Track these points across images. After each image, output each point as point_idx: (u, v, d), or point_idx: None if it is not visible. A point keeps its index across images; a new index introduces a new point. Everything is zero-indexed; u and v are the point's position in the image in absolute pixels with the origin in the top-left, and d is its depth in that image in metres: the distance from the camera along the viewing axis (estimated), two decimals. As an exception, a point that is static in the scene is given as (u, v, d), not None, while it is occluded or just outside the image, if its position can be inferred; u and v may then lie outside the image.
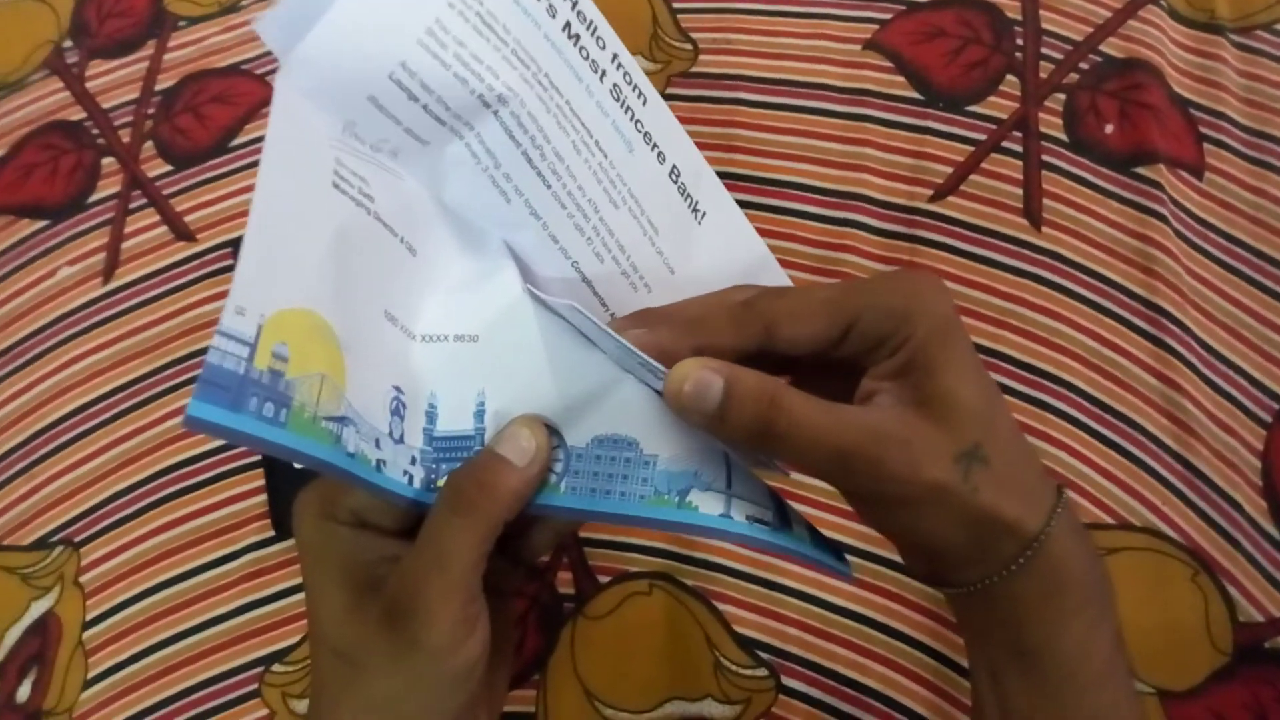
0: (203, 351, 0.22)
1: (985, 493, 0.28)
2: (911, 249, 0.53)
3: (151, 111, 0.61)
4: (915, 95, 0.56)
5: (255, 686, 0.49)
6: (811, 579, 0.48)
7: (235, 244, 0.57)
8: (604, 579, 0.49)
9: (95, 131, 0.61)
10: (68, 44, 0.64)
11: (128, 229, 0.58)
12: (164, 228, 0.58)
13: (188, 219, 0.58)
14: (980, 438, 0.29)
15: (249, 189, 0.22)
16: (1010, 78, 0.56)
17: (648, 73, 0.56)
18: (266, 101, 0.26)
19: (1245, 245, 0.52)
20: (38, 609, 0.51)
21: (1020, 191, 0.53)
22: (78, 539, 0.52)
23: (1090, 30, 0.57)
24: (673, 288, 0.34)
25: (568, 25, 0.31)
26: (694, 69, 0.58)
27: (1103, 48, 0.56)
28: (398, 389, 0.30)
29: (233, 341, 0.23)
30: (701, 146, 0.35)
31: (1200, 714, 0.45)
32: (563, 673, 0.48)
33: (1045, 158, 0.54)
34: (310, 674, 0.32)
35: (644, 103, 0.33)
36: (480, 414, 0.31)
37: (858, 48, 0.57)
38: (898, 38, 0.57)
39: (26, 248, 0.59)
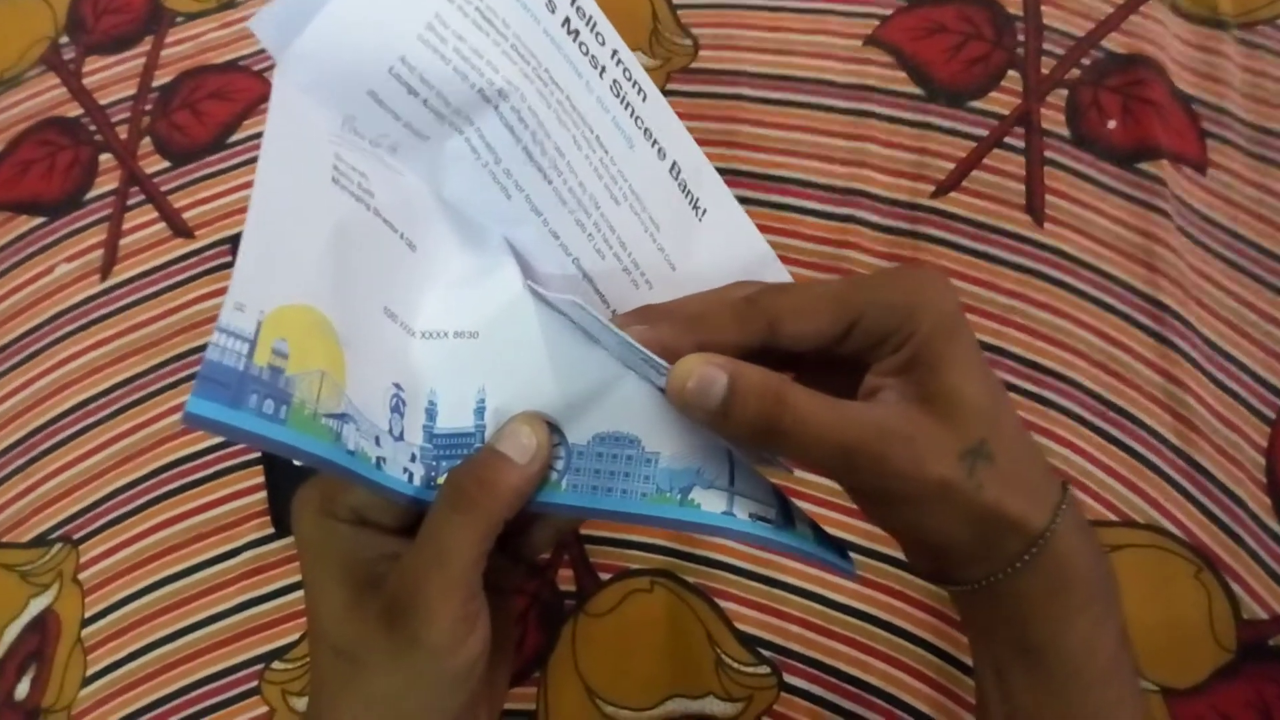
0: (202, 348, 0.22)
1: (990, 489, 0.28)
2: (913, 245, 0.53)
3: (149, 108, 0.61)
4: (917, 91, 0.56)
5: (255, 684, 0.49)
6: (813, 576, 0.48)
7: (234, 240, 0.57)
8: (605, 576, 0.49)
9: (92, 128, 0.61)
10: (64, 40, 0.64)
11: (125, 225, 0.58)
12: (162, 224, 0.58)
13: (186, 215, 0.58)
14: (985, 434, 0.29)
15: (247, 185, 0.22)
16: (1012, 73, 0.56)
17: (647, 69, 0.56)
18: (265, 98, 0.26)
19: (1248, 241, 0.52)
20: (36, 606, 0.51)
21: (1022, 187, 0.53)
22: (76, 536, 0.52)
23: (1092, 25, 0.56)
24: (674, 285, 0.34)
25: (567, 21, 0.31)
26: (694, 65, 0.58)
27: (1105, 43, 0.56)
28: (398, 386, 0.30)
29: (232, 338, 0.23)
30: (702, 143, 0.34)
31: (1204, 712, 0.45)
32: (564, 670, 0.47)
33: (1047, 153, 0.54)
34: (310, 672, 0.32)
35: (644, 99, 0.33)
36: (480, 411, 0.31)
37: (859, 43, 0.57)
38: (899, 33, 0.57)
39: (24, 244, 0.58)
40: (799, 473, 0.43)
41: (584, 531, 0.50)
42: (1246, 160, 0.53)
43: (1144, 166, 0.53)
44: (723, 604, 0.48)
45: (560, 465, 0.31)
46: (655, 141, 0.33)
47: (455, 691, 0.30)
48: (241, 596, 0.50)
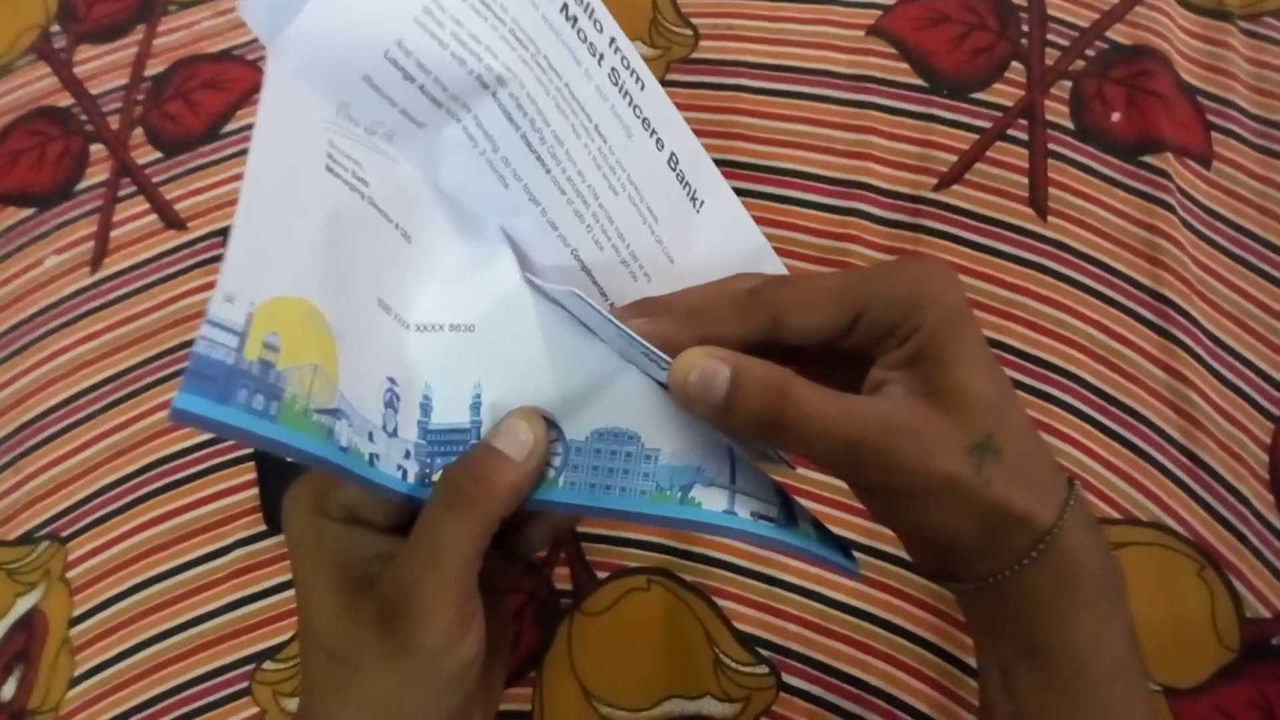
0: (194, 343, 0.21)
1: (997, 485, 0.28)
2: (915, 239, 0.52)
3: (141, 97, 0.60)
4: (919, 82, 0.55)
5: (245, 684, 0.48)
6: (812, 574, 0.47)
7: (226, 232, 0.55)
8: (602, 574, 0.48)
9: (83, 118, 0.60)
10: (55, 28, 0.63)
11: (116, 217, 0.57)
12: (153, 216, 0.57)
13: (178, 207, 0.57)
14: (992, 429, 0.28)
15: (240, 176, 0.21)
16: (1016, 64, 0.55)
17: (647, 59, 0.55)
18: (258, 88, 0.25)
19: (1253, 235, 0.51)
20: (23, 605, 0.50)
21: (1026, 180, 0.53)
22: (64, 534, 0.51)
23: (1097, 16, 0.56)
24: (672, 277, 0.33)
25: (565, 7, 0.30)
26: (694, 55, 0.57)
27: (1109, 34, 0.55)
28: (391, 380, 0.29)
29: (222, 331, 0.22)
30: (702, 134, 0.34)
31: (1207, 712, 0.44)
32: (560, 670, 0.47)
33: (1051, 146, 0.53)
34: (301, 673, 0.31)
35: (642, 88, 0.32)
36: (476, 406, 0.31)
37: (861, 33, 0.56)
38: (901, 23, 0.56)
39: (13, 236, 0.58)
40: (797, 468, 0.43)
41: (580, 529, 0.49)
42: (1252, 154, 0.53)
43: (1148, 159, 0.52)
44: (721, 603, 0.47)
45: (558, 462, 0.30)
46: (653, 131, 0.33)
47: (450, 693, 0.29)
48: (232, 595, 0.49)
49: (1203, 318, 0.50)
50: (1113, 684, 0.30)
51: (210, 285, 0.54)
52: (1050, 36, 0.56)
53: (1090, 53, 0.55)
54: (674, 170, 0.33)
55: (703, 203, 0.34)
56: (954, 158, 0.53)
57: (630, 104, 0.32)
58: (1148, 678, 0.31)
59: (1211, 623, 0.45)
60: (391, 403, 0.29)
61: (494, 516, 0.29)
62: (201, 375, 0.22)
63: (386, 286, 0.30)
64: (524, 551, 0.34)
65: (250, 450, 0.51)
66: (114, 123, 0.60)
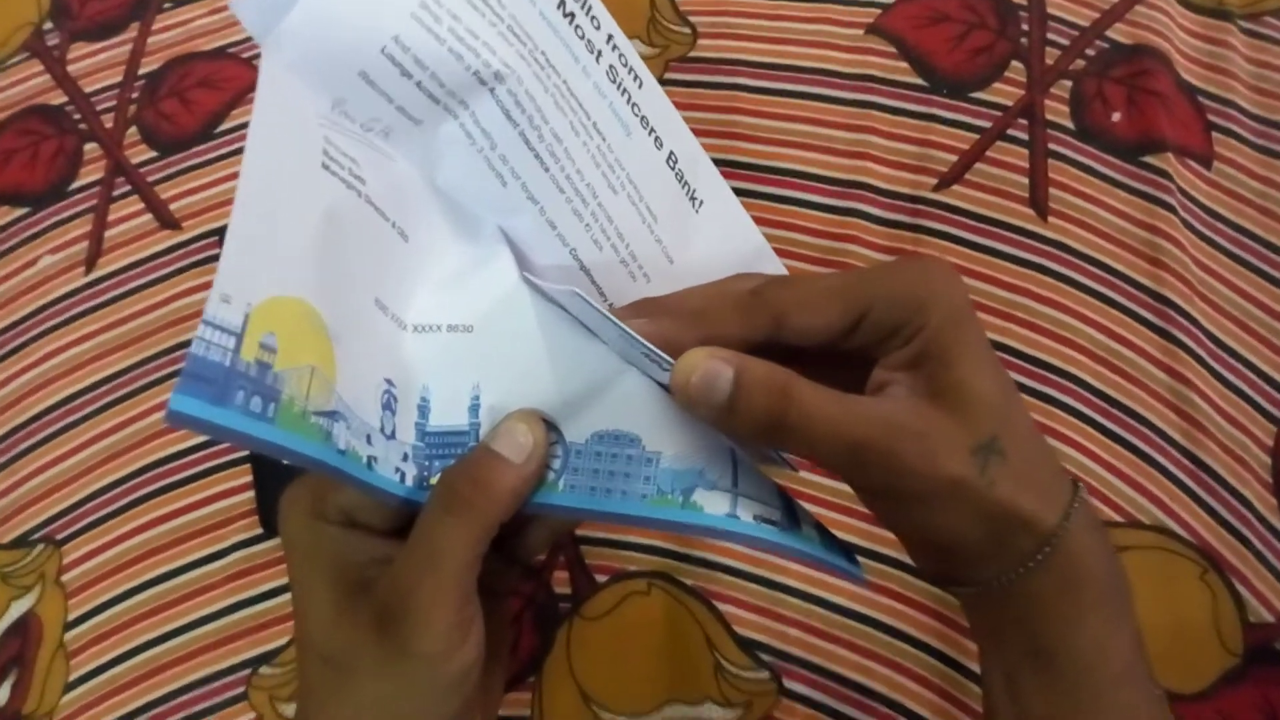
0: (189, 343, 0.21)
1: (1002, 487, 0.28)
2: (915, 239, 0.52)
3: (135, 96, 0.60)
4: (919, 81, 0.55)
5: (242, 689, 0.47)
6: (814, 578, 0.47)
7: (222, 232, 0.55)
8: (601, 578, 0.48)
9: (77, 116, 0.60)
10: (48, 26, 0.63)
11: (111, 217, 0.57)
12: (148, 215, 0.57)
13: (173, 206, 0.57)
14: (997, 430, 0.28)
15: (236, 176, 0.21)
16: (1016, 64, 0.55)
17: (645, 58, 0.55)
18: (254, 86, 0.25)
19: (1254, 236, 0.51)
20: (17, 609, 0.50)
21: (1026, 180, 0.52)
22: (59, 537, 0.51)
23: (1097, 15, 0.56)
24: (671, 278, 0.33)
25: (562, 3, 0.30)
26: (693, 54, 0.57)
27: (1109, 33, 0.55)
28: (389, 382, 0.29)
29: (218, 331, 0.22)
30: (701, 133, 0.34)
31: (1210, 717, 0.44)
32: (559, 674, 0.46)
33: (1052, 146, 0.53)
34: (297, 678, 0.31)
35: (640, 86, 0.32)
36: (475, 408, 0.30)
37: (860, 32, 0.56)
38: (901, 22, 0.56)
39: (6, 236, 0.57)
40: (799, 471, 0.42)
41: (580, 532, 0.49)
42: (1252, 154, 0.53)
43: (1149, 160, 0.52)
44: (721, 607, 0.47)
45: (558, 465, 0.30)
46: (652, 130, 0.33)
47: (449, 699, 0.29)
48: (229, 599, 0.49)
49: (1204, 319, 0.50)
50: (1119, 688, 0.30)
51: (206, 286, 0.54)
52: (1050, 35, 0.55)
53: (1090, 52, 0.55)
54: (673, 169, 0.33)
55: (702, 202, 0.34)
56: (954, 158, 0.53)
57: (629, 102, 0.32)
58: (1156, 683, 0.31)
59: (1214, 627, 0.45)
60: (389, 405, 0.29)
61: (493, 520, 0.28)
62: (198, 377, 0.21)
63: (384, 286, 0.29)
64: (523, 555, 0.34)
65: (247, 452, 0.50)
66: (108, 121, 0.59)
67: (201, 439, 0.51)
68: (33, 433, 0.53)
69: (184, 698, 0.47)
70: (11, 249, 0.57)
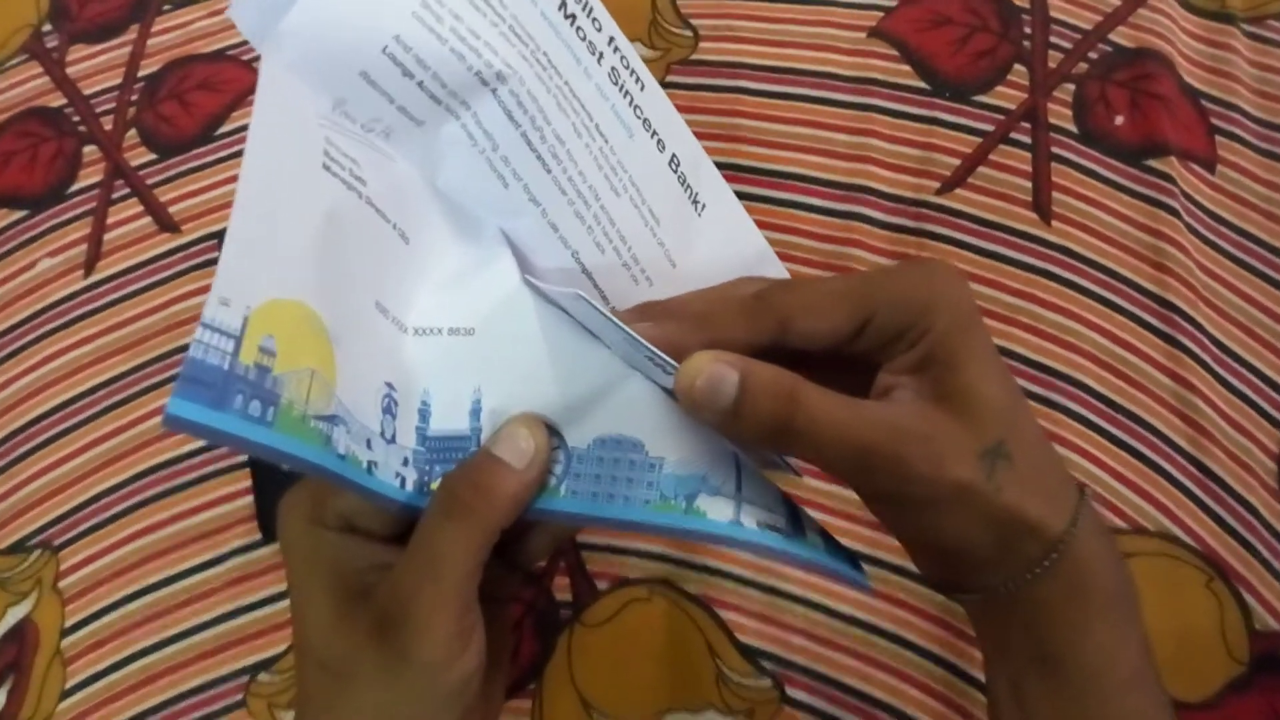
0: (189, 347, 0.21)
1: (1009, 492, 0.28)
2: (918, 243, 0.52)
3: (135, 98, 0.60)
4: (922, 85, 0.55)
5: (240, 696, 0.47)
6: (817, 585, 0.47)
7: (222, 235, 0.55)
8: (602, 585, 0.48)
9: (76, 119, 0.59)
10: (47, 28, 0.62)
11: (110, 220, 0.57)
12: (148, 219, 0.56)
13: (172, 210, 0.56)
14: (1004, 434, 0.28)
15: (236, 178, 0.21)
16: (1018, 67, 0.55)
17: (646, 60, 0.55)
18: (254, 89, 0.25)
19: (1258, 240, 0.51)
20: (14, 615, 0.49)
21: (1029, 184, 0.52)
22: (56, 542, 0.50)
23: (1099, 19, 0.55)
24: (674, 281, 0.33)
25: (563, 4, 0.30)
26: (694, 56, 0.57)
27: (1112, 37, 0.55)
28: (390, 385, 0.28)
29: (217, 334, 0.21)
30: (703, 136, 0.34)
31: (1217, 725, 0.44)
32: (559, 682, 0.46)
33: (1054, 149, 0.53)
34: (296, 685, 0.31)
35: (642, 88, 0.32)
36: (476, 412, 0.30)
37: (862, 35, 0.56)
38: (903, 25, 0.56)
39: (4, 239, 0.57)
40: (804, 476, 0.42)
41: (581, 538, 0.48)
42: (1256, 158, 0.52)
43: (1152, 163, 0.52)
44: (723, 614, 0.47)
45: (559, 470, 0.30)
46: (654, 132, 0.32)
47: (449, 707, 0.29)
48: (227, 605, 0.48)
49: (1209, 324, 0.49)
50: (1127, 695, 0.30)
51: (206, 289, 0.53)
52: (1053, 39, 0.55)
53: (1093, 55, 0.55)
54: (675, 172, 0.33)
55: (704, 206, 0.34)
56: (956, 161, 0.53)
57: (631, 104, 0.32)
58: (1164, 691, 0.31)
59: (1220, 635, 0.45)
60: (389, 409, 0.28)
61: (494, 526, 0.28)
62: (196, 380, 0.21)
63: (384, 288, 0.29)
64: (524, 561, 0.34)
65: (246, 457, 0.50)
66: (107, 124, 0.59)
67: (199, 444, 0.51)
68: (30, 437, 0.52)
69: (182, 704, 0.47)
70: (9, 252, 0.56)
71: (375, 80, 0.27)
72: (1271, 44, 0.54)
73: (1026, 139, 0.53)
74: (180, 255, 0.55)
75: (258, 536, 0.49)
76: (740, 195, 0.35)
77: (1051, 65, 0.55)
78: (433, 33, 0.26)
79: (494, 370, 0.30)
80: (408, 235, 0.30)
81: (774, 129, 0.54)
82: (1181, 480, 0.47)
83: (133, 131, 0.59)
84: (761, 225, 0.35)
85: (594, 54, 0.30)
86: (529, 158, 0.29)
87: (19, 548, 0.51)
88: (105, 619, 0.49)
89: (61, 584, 0.50)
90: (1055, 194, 0.52)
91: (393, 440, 0.28)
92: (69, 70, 0.61)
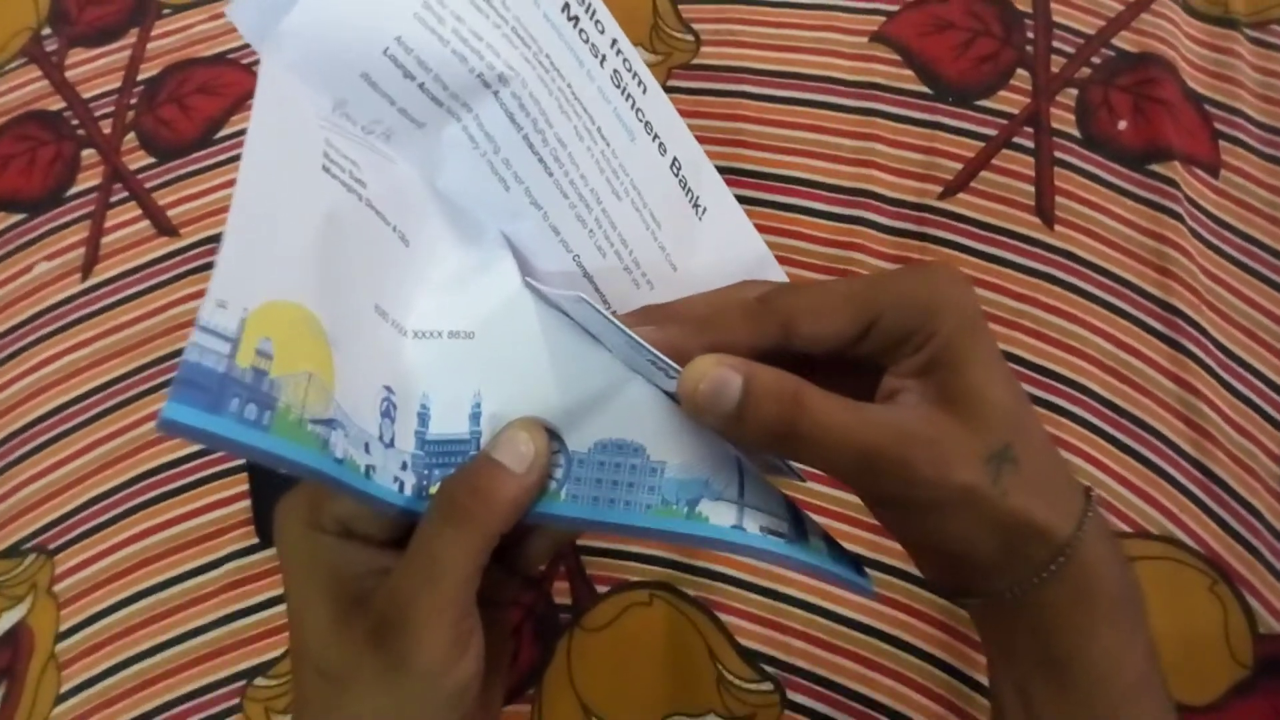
0: (184, 350, 0.20)
1: (1015, 496, 0.27)
2: (921, 247, 0.52)
3: (134, 102, 0.59)
4: (924, 89, 0.54)
5: (237, 701, 0.47)
6: (817, 589, 0.46)
7: (220, 239, 0.55)
8: (602, 589, 0.47)
9: (75, 122, 0.59)
10: (46, 31, 0.62)
11: (108, 223, 0.56)
12: (146, 222, 0.56)
13: (171, 213, 0.56)
14: (1010, 438, 0.28)
15: (235, 182, 0.21)
16: (1021, 72, 0.54)
17: (648, 65, 0.54)
18: (253, 92, 0.24)
19: (1262, 245, 0.51)
20: (9, 620, 0.49)
21: (1032, 189, 0.52)
22: (52, 546, 0.50)
23: (1102, 24, 0.55)
24: (675, 285, 0.33)
25: (566, 6, 0.30)
26: (696, 61, 0.57)
27: (1115, 41, 0.55)
28: (388, 389, 0.28)
29: (213, 337, 0.21)
30: (705, 141, 0.33)
31: (1221, 730, 0.43)
32: (559, 686, 0.46)
33: (1057, 154, 0.53)
34: (293, 690, 0.30)
35: (644, 91, 0.32)
36: (476, 416, 0.30)
37: (865, 40, 0.56)
38: (906, 30, 0.56)
39: (2, 242, 0.57)
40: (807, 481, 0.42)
41: (581, 542, 0.48)
42: (1260, 162, 0.52)
43: (1155, 168, 0.52)
44: (724, 618, 0.46)
45: (560, 474, 0.29)
46: (656, 136, 0.32)
47: (448, 713, 0.28)
48: (223, 610, 0.48)
49: (1212, 328, 0.49)
50: (1133, 700, 0.29)
51: (203, 293, 0.53)
52: (1056, 43, 0.55)
53: (1096, 60, 0.54)
54: (676, 176, 0.33)
55: (705, 210, 0.34)
56: (959, 165, 0.53)
57: (633, 107, 0.31)
58: (1170, 697, 0.30)
59: (1224, 638, 0.44)
60: (388, 412, 0.28)
61: (493, 531, 0.28)
62: (192, 384, 0.21)
63: (384, 291, 0.29)
64: (524, 566, 0.34)
65: (243, 461, 0.50)
66: (106, 127, 0.59)
67: (196, 448, 0.51)
68: (25, 441, 0.52)
69: (177, 710, 0.47)
70: (7, 255, 0.56)
71: (376, 82, 0.27)
72: (1275, 49, 0.54)
73: (1029, 143, 0.53)
74: (178, 259, 0.55)
75: (255, 541, 0.49)
76: (742, 200, 0.34)
77: (1054, 70, 0.54)
78: (434, 34, 0.26)
79: (494, 373, 0.30)
80: (408, 237, 0.29)
81: (776, 133, 0.54)
82: (1185, 484, 0.47)
83: (131, 135, 0.59)
84: (764, 230, 0.35)
85: (596, 56, 0.30)
86: (531, 160, 0.29)
87: (14, 551, 0.50)
88: (101, 623, 0.48)
89: (57, 588, 0.49)
90: (1058, 198, 0.52)
91: (391, 444, 0.28)
92: (68, 74, 0.61)
